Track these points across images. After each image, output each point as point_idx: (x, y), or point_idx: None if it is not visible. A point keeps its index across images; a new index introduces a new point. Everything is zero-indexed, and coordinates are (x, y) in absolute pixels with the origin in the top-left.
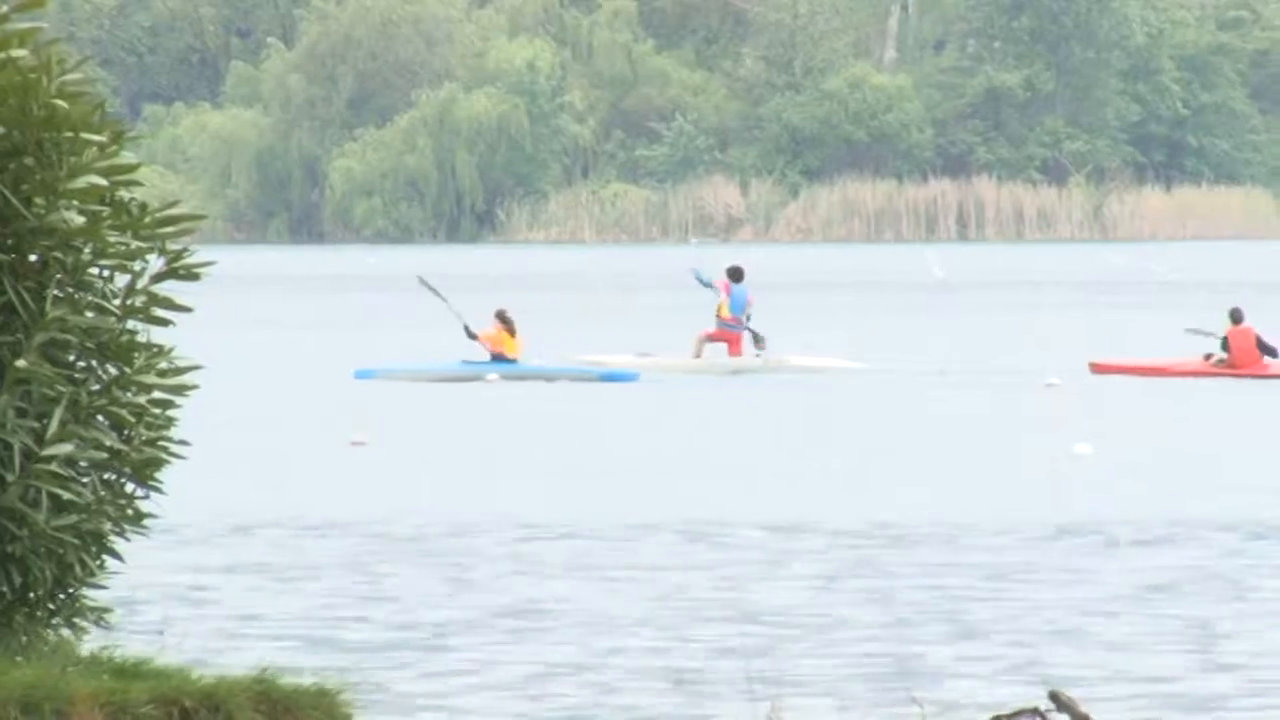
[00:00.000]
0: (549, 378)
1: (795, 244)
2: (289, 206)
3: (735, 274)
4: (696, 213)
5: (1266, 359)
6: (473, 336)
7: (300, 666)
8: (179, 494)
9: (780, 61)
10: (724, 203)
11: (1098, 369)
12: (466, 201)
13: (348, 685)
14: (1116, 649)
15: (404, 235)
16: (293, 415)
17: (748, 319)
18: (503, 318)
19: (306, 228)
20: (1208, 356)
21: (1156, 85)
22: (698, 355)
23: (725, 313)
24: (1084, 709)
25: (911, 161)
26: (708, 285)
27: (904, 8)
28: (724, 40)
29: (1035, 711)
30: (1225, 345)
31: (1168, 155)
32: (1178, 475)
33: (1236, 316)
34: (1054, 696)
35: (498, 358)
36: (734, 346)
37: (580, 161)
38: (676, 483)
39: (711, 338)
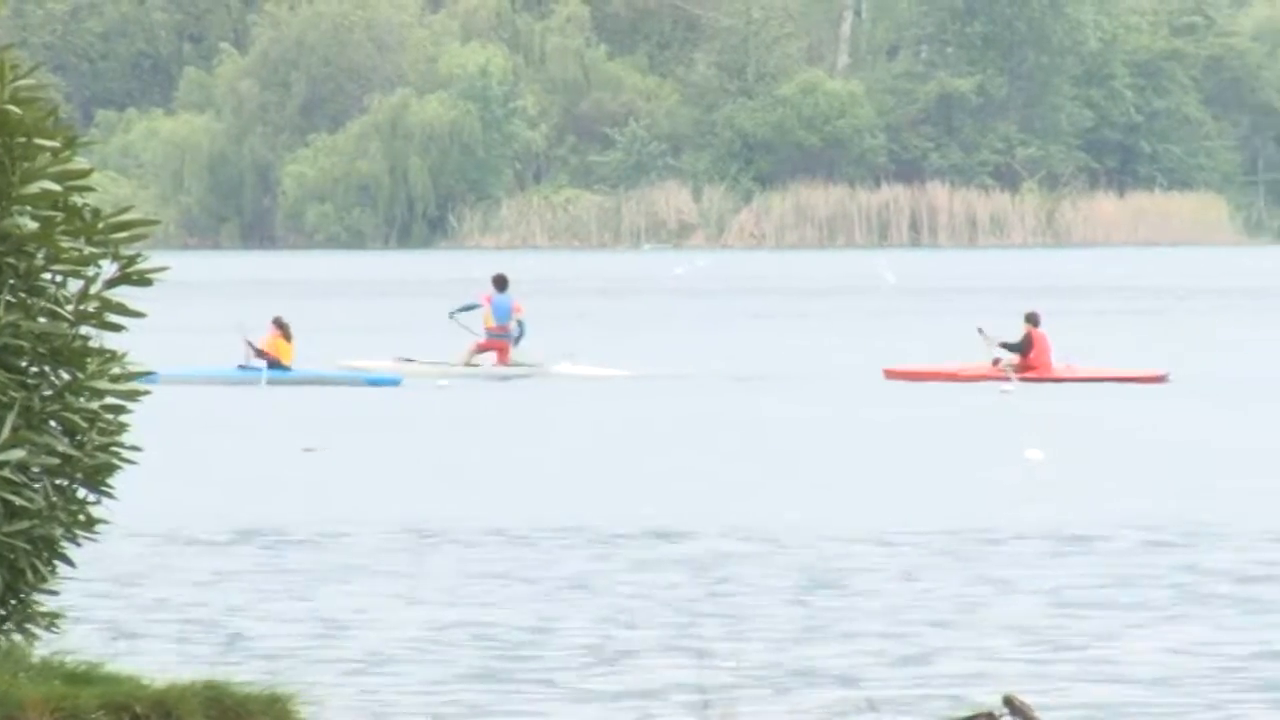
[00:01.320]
0: (317, 383)
1: (748, 250)
2: (241, 212)
3: (499, 282)
4: (649, 218)
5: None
6: (253, 346)
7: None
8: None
9: (733, 67)
10: (676, 208)
11: (891, 375)
12: (419, 207)
13: (299, 690)
14: (1061, 650)
15: (356, 241)
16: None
17: (517, 325)
18: (279, 324)
19: (259, 233)
20: (996, 361)
21: (1110, 91)
22: (467, 364)
23: (490, 322)
24: (1037, 714)
25: (864, 167)
26: (469, 309)
27: (857, 13)
28: (677, 46)
29: (989, 716)
30: (1022, 348)
31: (1121, 161)
32: (1128, 478)
33: (1033, 319)
34: (1008, 701)
35: (273, 364)
36: (502, 355)
37: (533, 167)
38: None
39: (482, 347)
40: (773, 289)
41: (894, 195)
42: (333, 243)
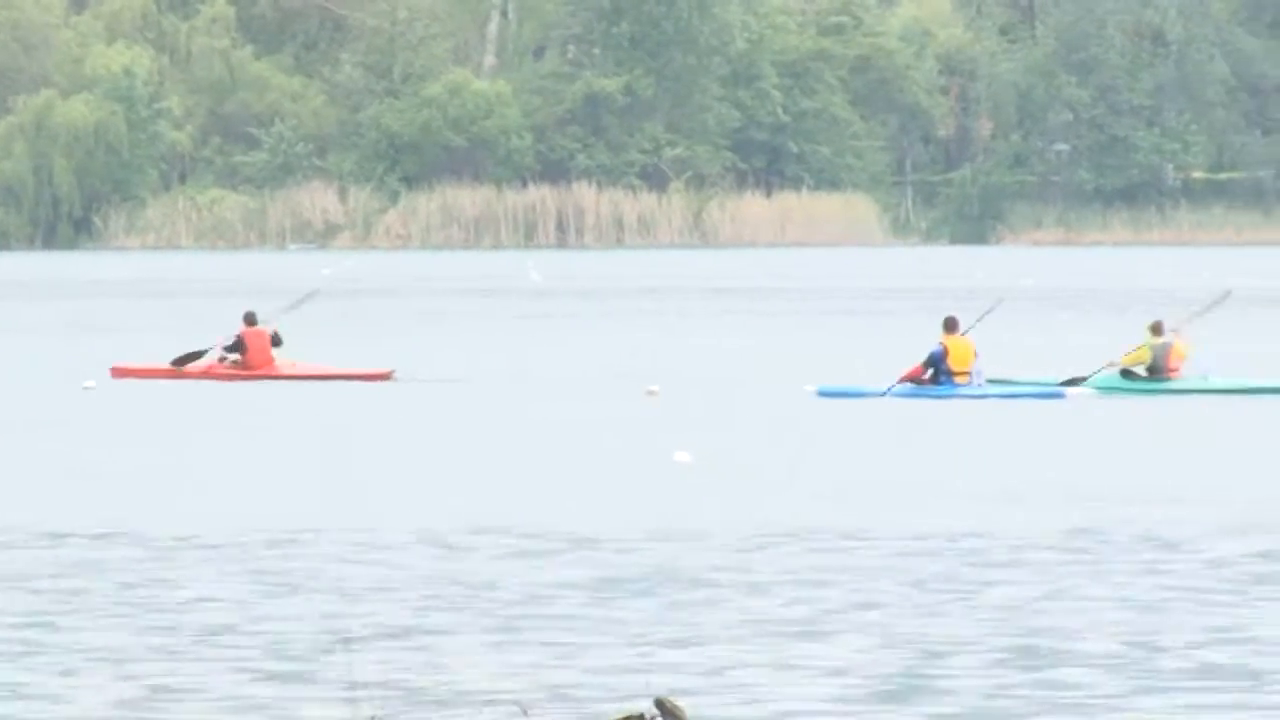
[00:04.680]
0: None
1: (394, 250)
2: None
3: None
4: (295, 219)
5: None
6: None
7: None
8: None
9: (379, 68)
10: (322, 209)
11: (118, 373)
12: (64, 208)
13: None
14: (730, 652)
15: (1, 242)
16: None
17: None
18: None
19: None
20: (222, 359)
21: (757, 91)
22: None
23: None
24: (687, 716)
25: (511, 168)
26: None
27: (504, 14)
28: (323, 46)
29: (640, 718)
30: (239, 346)
31: (768, 161)
32: (779, 482)
33: (250, 319)
34: (660, 704)
35: None
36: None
37: (178, 168)
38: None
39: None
40: (422, 289)
41: (541, 196)
42: None
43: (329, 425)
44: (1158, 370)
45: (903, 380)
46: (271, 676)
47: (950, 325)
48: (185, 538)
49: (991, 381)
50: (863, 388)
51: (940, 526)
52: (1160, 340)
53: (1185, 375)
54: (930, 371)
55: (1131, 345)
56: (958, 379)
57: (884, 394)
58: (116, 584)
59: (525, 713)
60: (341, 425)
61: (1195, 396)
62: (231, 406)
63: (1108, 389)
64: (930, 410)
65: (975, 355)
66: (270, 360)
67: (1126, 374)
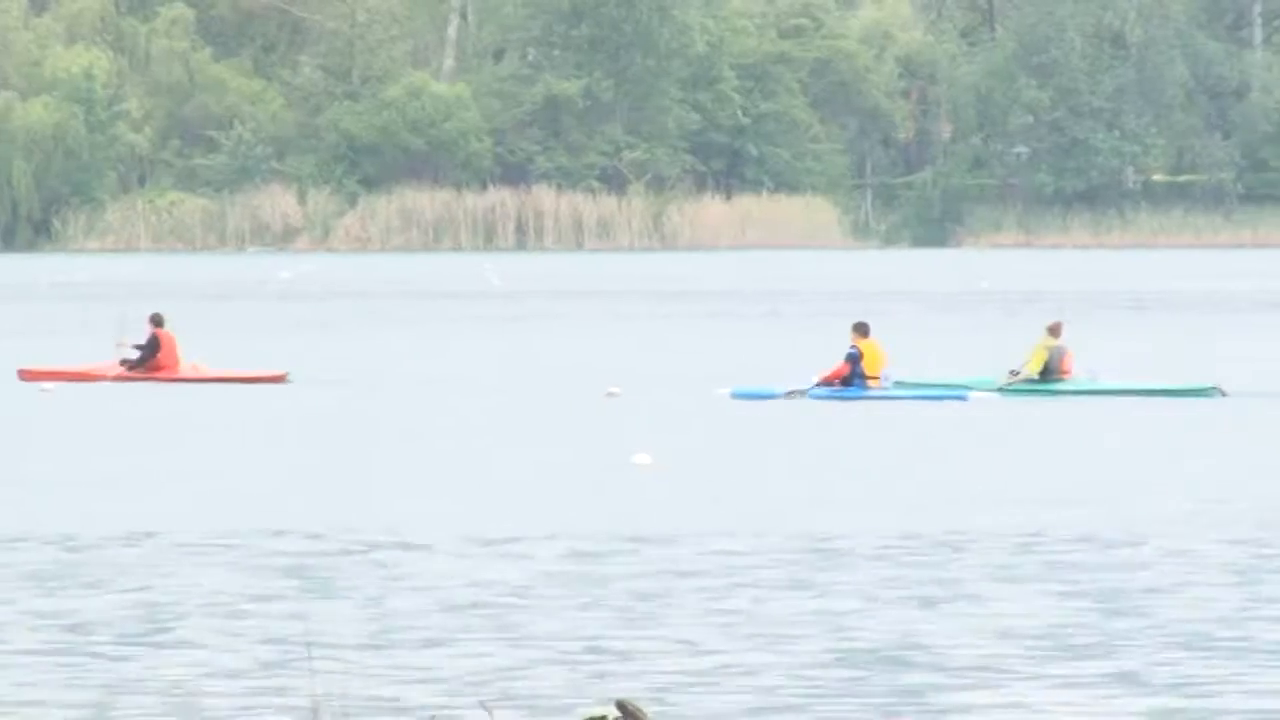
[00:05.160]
0: None
1: (353, 253)
2: None
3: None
4: (254, 222)
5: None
6: None
7: None
8: None
9: (338, 70)
10: (281, 211)
11: (26, 376)
12: (23, 210)
13: None
14: (691, 653)
15: None
16: None
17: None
18: None
19: None
20: (124, 363)
21: (717, 94)
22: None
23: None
24: (648, 717)
25: (470, 170)
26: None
27: (463, 16)
28: (282, 49)
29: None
30: (153, 346)
31: (728, 164)
32: (738, 485)
33: (158, 321)
34: (621, 705)
35: None
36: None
37: (137, 170)
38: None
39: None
40: (381, 293)
41: (500, 198)
42: None
43: (268, 424)
44: (1051, 372)
45: (824, 381)
46: (225, 680)
47: (862, 329)
48: (100, 542)
49: (898, 384)
50: (773, 389)
51: (892, 527)
52: (1057, 342)
53: (1075, 376)
54: (850, 371)
55: (1027, 346)
56: (870, 382)
57: (783, 395)
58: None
59: (490, 714)
60: (260, 426)
61: (1086, 398)
62: (150, 409)
63: (1002, 391)
64: (855, 411)
65: (885, 359)
66: (177, 363)
67: (1016, 374)
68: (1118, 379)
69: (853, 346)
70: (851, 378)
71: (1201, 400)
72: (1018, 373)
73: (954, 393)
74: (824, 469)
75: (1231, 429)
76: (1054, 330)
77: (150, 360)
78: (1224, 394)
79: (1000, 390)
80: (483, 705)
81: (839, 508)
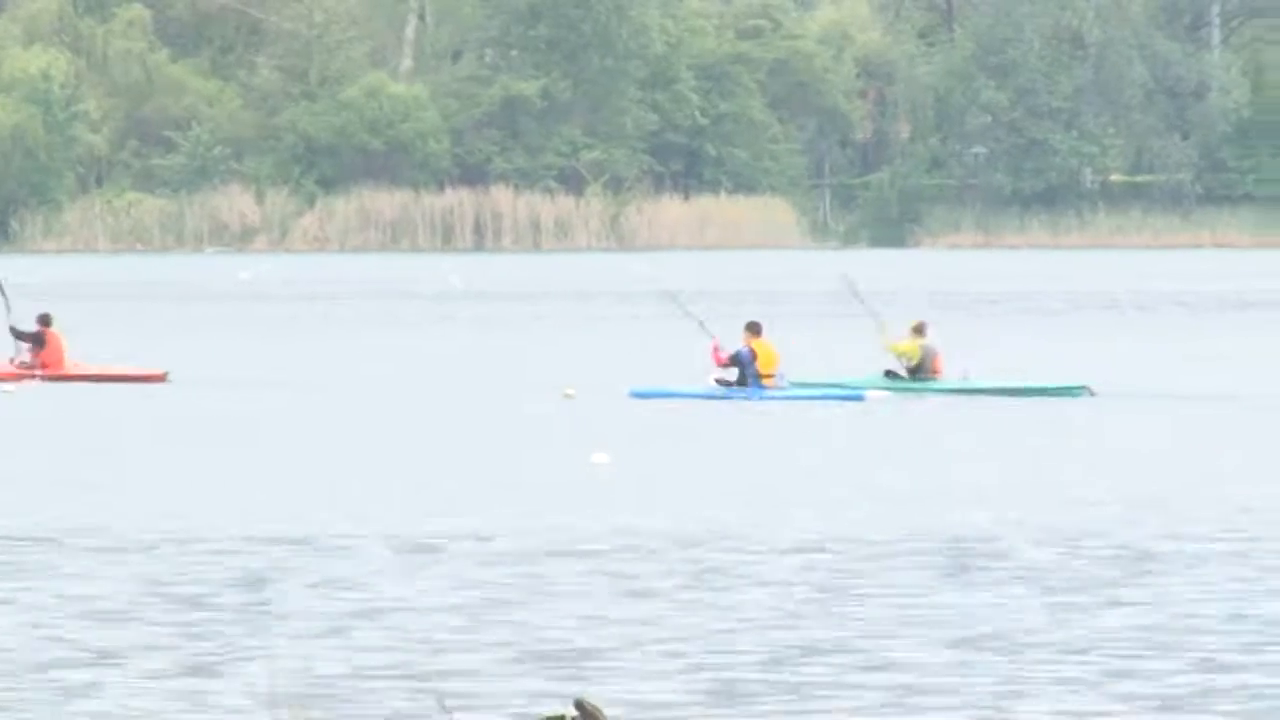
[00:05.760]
0: None
1: (311, 253)
2: None
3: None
4: (212, 222)
5: None
6: None
7: None
8: None
9: (296, 71)
10: (240, 212)
11: None
12: None
13: None
14: (650, 652)
15: None
16: None
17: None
18: None
19: None
20: (12, 360)
21: (675, 94)
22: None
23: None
24: (607, 717)
25: (428, 171)
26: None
27: (421, 17)
28: (240, 49)
29: (560, 719)
30: (40, 340)
31: (686, 164)
32: (692, 486)
33: (46, 321)
34: (579, 705)
35: None
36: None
37: (95, 171)
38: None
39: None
40: (340, 293)
41: (458, 199)
42: None
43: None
44: (923, 370)
45: (716, 369)
46: (183, 677)
47: (754, 328)
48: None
49: (794, 384)
50: (676, 389)
51: (821, 529)
52: (925, 340)
53: (947, 376)
54: (738, 373)
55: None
56: (765, 381)
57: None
58: None
59: (446, 710)
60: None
61: (961, 396)
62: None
63: (873, 388)
64: (755, 412)
65: (778, 358)
66: (63, 361)
67: (890, 374)
68: (989, 378)
69: (745, 346)
70: (745, 378)
71: (1068, 400)
72: (895, 373)
73: (850, 393)
74: (755, 469)
75: (1089, 429)
76: (919, 329)
77: (38, 351)
78: (1093, 394)
79: (862, 387)
80: (442, 706)
81: (789, 506)
